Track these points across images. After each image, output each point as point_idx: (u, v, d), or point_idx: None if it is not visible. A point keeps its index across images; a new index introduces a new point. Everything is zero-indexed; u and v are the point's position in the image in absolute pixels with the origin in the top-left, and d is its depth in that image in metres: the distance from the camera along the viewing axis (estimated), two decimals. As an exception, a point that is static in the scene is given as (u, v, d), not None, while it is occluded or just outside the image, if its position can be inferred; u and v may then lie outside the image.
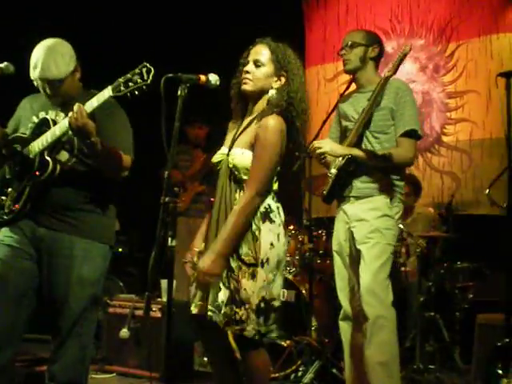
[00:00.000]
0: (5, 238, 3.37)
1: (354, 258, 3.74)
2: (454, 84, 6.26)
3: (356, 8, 6.63)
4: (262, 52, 3.13)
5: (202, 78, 3.05)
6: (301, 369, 4.57)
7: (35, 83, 3.39)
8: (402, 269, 5.21)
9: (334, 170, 3.73)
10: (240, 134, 3.14)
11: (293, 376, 4.58)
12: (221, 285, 2.97)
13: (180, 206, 6.21)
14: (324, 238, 5.27)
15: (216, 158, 3.19)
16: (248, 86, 3.12)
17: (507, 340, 3.62)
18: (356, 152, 3.68)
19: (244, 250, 2.97)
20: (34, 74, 3.33)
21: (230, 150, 3.11)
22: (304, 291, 4.81)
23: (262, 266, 2.97)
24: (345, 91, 4.12)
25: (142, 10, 6.99)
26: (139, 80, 3.02)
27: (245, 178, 3.03)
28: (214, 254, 2.94)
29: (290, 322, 4.65)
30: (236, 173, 3.05)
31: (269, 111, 3.07)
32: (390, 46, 6.34)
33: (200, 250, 3.18)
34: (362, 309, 3.63)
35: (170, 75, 2.94)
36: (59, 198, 3.33)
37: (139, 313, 4.80)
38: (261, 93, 3.14)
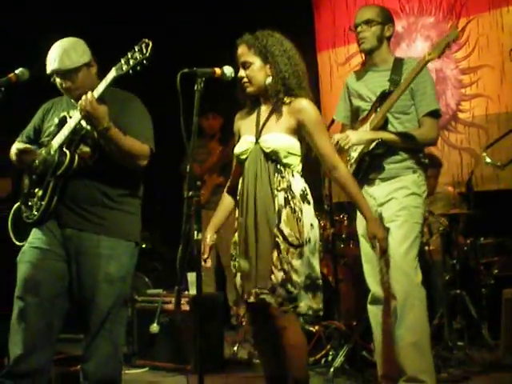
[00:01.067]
0: (34, 241, 3.42)
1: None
2: (467, 60, 6.22)
3: (365, -12, 6.60)
4: (243, 52, 3.23)
5: (218, 71, 3.10)
6: (330, 353, 4.59)
7: (53, 81, 3.44)
8: (426, 248, 5.21)
9: (355, 154, 3.75)
10: (264, 122, 3.22)
11: (323, 361, 4.61)
12: (272, 268, 3.05)
13: (200, 199, 6.25)
14: (346, 222, 5.29)
15: (241, 148, 3.26)
16: (250, 89, 3.24)
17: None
18: (385, 135, 3.70)
19: (287, 231, 3.07)
20: (49, 68, 3.39)
21: (257, 138, 3.20)
22: (329, 276, 4.84)
23: (306, 245, 3.09)
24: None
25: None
26: (139, 56, 3.06)
27: (284, 160, 3.13)
28: (374, 221, 3.26)
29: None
30: (274, 156, 3.14)
31: (278, 98, 3.17)
32: (399, 25, 6.33)
33: (235, 241, 3.28)
34: (391, 289, 3.65)
35: (186, 70, 2.98)
36: (83, 194, 3.37)
37: (168, 307, 4.85)
38: (263, 86, 3.22)
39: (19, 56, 4.01)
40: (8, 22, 6.16)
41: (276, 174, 3.14)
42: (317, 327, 4.61)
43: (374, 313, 3.85)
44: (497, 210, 5.58)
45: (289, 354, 3.16)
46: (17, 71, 3.33)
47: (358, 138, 3.70)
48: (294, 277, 3.06)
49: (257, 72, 3.20)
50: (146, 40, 3.06)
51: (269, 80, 3.19)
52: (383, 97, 3.75)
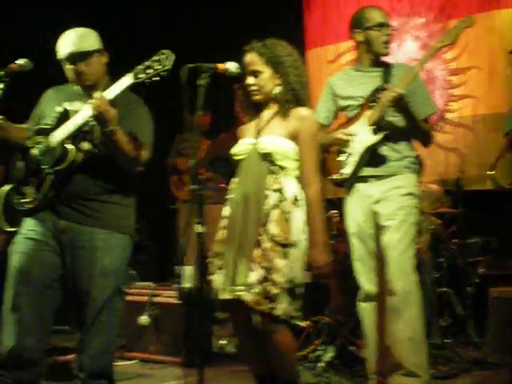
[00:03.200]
0: (28, 232, 3.40)
1: (376, 238, 3.79)
2: (456, 61, 6.28)
3: (356, -13, 6.62)
4: (253, 61, 3.25)
5: (221, 66, 3.13)
6: (319, 348, 4.63)
7: (63, 66, 3.42)
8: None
9: (355, 151, 3.77)
10: (265, 125, 3.26)
11: (312, 356, 4.65)
12: (253, 265, 3.05)
13: (187, 193, 6.27)
14: (336, 218, 5.32)
15: (238, 149, 3.30)
16: (258, 97, 3.28)
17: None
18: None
19: (276, 231, 3.07)
20: (63, 52, 3.37)
21: (255, 139, 3.23)
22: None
23: (294, 248, 3.08)
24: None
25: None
26: (158, 66, 3.08)
27: (279, 162, 3.16)
28: (319, 247, 3.14)
29: (307, 303, 4.71)
30: (269, 158, 3.16)
31: (285, 107, 3.22)
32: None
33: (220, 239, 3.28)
34: (390, 286, 3.70)
35: (191, 65, 3.00)
36: (78, 187, 3.36)
37: (158, 299, 4.87)
38: (271, 95, 3.26)
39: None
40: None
41: (269, 175, 3.17)
42: (306, 322, 4.64)
43: (367, 310, 3.90)
44: (483, 210, 5.66)
45: (278, 358, 3.18)
46: (19, 61, 3.34)
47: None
48: (275, 276, 3.03)
49: (266, 81, 3.23)
50: (168, 52, 3.09)
51: (278, 90, 3.23)
52: (377, 93, 3.77)
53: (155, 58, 3.11)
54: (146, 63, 3.12)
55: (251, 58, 3.24)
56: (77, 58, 3.36)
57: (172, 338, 4.78)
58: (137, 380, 4.38)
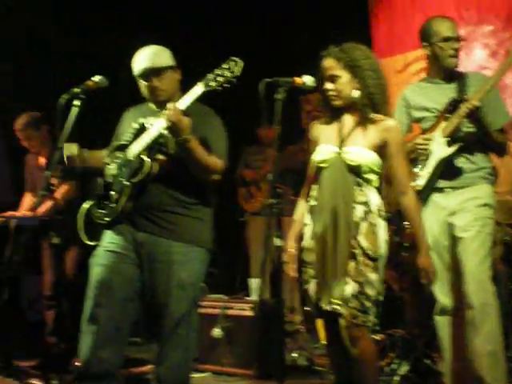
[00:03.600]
0: (109, 245, 3.47)
1: (452, 250, 3.74)
2: (527, 69, 6.16)
3: (423, -5, 6.58)
4: (330, 66, 3.24)
5: (298, 80, 3.15)
6: (394, 362, 4.58)
7: (139, 83, 3.51)
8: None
9: (430, 162, 3.73)
10: (348, 134, 3.26)
11: (387, 369, 4.60)
12: (347, 279, 3.10)
13: (256, 205, 6.29)
14: (409, 230, 5.25)
15: (321, 156, 3.28)
16: (337, 102, 3.27)
17: None
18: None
19: (366, 244, 3.12)
20: (137, 68, 3.46)
21: (340, 148, 3.24)
22: (393, 285, 4.84)
23: (381, 261, 3.16)
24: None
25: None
26: (228, 73, 3.13)
27: (365, 175, 3.18)
28: (426, 251, 3.27)
29: (382, 316, 4.68)
30: (357, 170, 3.18)
31: (365, 114, 3.22)
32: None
33: (307, 247, 3.29)
34: (467, 298, 3.65)
35: (268, 80, 3.02)
36: (154, 199, 3.42)
37: (231, 312, 4.88)
38: (350, 99, 3.25)
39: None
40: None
41: (356, 187, 3.18)
42: (381, 336, 4.61)
43: (443, 324, 3.86)
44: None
45: (361, 365, 3.21)
46: (95, 78, 3.42)
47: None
48: (368, 290, 3.12)
49: (344, 86, 3.23)
50: (236, 59, 3.14)
51: (356, 94, 3.22)
52: (454, 104, 3.73)
53: (225, 65, 3.16)
54: (217, 71, 3.17)
55: (328, 62, 3.24)
56: (150, 73, 3.43)
57: (244, 350, 4.78)
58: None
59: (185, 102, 3.25)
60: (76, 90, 3.36)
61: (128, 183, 3.38)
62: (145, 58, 3.46)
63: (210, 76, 3.18)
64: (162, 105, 3.43)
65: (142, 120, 3.46)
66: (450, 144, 3.70)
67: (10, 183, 6.61)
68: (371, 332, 3.17)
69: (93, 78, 3.45)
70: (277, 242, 2.97)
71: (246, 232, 6.35)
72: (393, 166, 3.24)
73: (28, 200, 5.30)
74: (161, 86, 3.46)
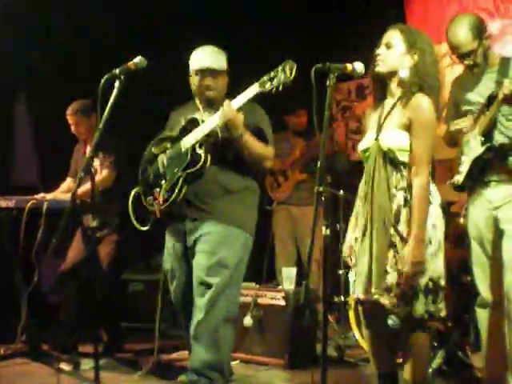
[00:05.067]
0: (169, 245, 3.82)
1: (495, 243, 3.69)
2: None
3: (457, -14, 6.47)
4: (392, 35, 3.25)
5: (349, 66, 3.11)
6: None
7: (192, 77, 3.76)
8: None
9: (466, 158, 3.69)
10: (385, 117, 3.22)
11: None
12: (388, 267, 3.05)
13: (282, 194, 6.24)
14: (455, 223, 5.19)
15: (363, 146, 3.28)
16: (380, 68, 3.24)
17: None
18: None
19: (407, 231, 3.06)
20: (198, 64, 3.71)
21: (377, 135, 3.20)
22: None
23: (426, 247, 3.05)
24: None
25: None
26: (282, 76, 3.23)
27: (401, 158, 3.13)
28: (415, 242, 3.02)
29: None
30: (391, 155, 3.13)
31: (409, 91, 3.16)
32: (494, 27, 6.18)
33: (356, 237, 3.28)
34: (507, 292, 3.60)
35: (319, 65, 2.98)
36: (204, 189, 3.61)
37: (261, 301, 4.85)
38: (395, 73, 3.23)
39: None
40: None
41: (395, 173, 3.14)
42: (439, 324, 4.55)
43: (483, 317, 3.80)
44: None
45: (412, 360, 3.17)
46: (135, 60, 3.40)
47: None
48: None
49: (396, 56, 3.21)
50: (291, 62, 3.23)
51: (404, 73, 3.20)
52: (490, 100, 3.66)
53: (279, 68, 3.25)
54: (272, 73, 3.28)
55: (392, 32, 3.26)
56: (207, 72, 3.70)
57: (275, 339, 4.75)
58: (243, 380, 4.37)
59: (240, 100, 3.43)
60: (116, 71, 3.35)
61: (182, 174, 3.58)
62: (206, 56, 3.71)
63: (265, 78, 3.30)
64: (208, 103, 3.70)
65: (194, 115, 3.65)
66: (482, 143, 3.64)
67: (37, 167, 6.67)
68: (423, 320, 3.10)
69: (134, 60, 3.42)
70: (326, 231, 2.89)
71: (273, 220, 6.31)
72: (412, 144, 3.13)
73: (66, 184, 5.30)
74: (213, 85, 3.71)
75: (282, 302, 4.78)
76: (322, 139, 2.93)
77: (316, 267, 5.77)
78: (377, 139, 3.20)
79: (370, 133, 3.28)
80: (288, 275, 4.88)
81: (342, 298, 5.19)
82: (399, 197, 3.11)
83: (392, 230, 3.08)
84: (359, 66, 3.11)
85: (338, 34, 6.54)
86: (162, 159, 3.70)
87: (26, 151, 6.70)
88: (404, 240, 3.05)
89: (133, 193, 3.78)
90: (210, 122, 3.51)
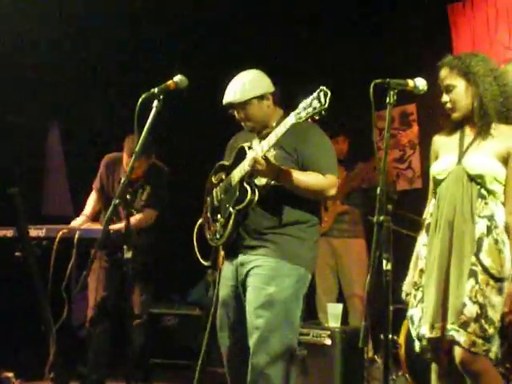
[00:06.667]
0: (224, 275, 3.65)
1: None
2: None
3: (506, 11, 6.16)
4: (445, 75, 3.08)
5: (410, 83, 2.88)
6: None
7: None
8: None
9: None
10: (470, 143, 3.04)
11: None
12: (465, 299, 2.80)
13: (322, 226, 5.96)
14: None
15: (439, 167, 3.08)
16: (455, 115, 3.08)
17: None
18: None
19: (489, 262, 2.83)
20: (224, 101, 3.61)
21: (460, 159, 3.02)
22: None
23: (506, 282, 2.85)
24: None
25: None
26: (317, 104, 3.06)
27: (490, 186, 2.92)
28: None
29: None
30: (479, 180, 2.93)
31: (481, 121, 2.99)
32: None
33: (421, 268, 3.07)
34: None
35: (379, 80, 2.73)
36: (255, 222, 3.48)
37: (304, 339, 4.56)
38: (469, 109, 3.05)
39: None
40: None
41: (479, 200, 2.92)
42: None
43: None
44: None
45: None
46: (175, 78, 3.24)
47: None
48: (491, 314, 2.80)
49: (461, 95, 3.03)
50: (324, 88, 3.06)
51: (475, 103, 2.99)
52: None
53: (315, 95, 3.10)
54: (308, 101, 3.12)
55: (444, 72, 3.08)
56: (233, 107, 3.58)
57: (320, 380, 4.49)
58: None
59: (272, 139, 3.28)
60: (155, 90, 3.17)
61: (234, 211, 3.47)
62: (229, 91, 3.58)
63: (301, 107, 3.15)
64: (256, 130, 3.60)
65: (241, 144, 3.57)
66: None
67: (70, 197, 6.52)
68: (495, 364, 2.86)
69: (174, 78, 3.25)
70: (387, 265, 2.60)
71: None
72: (507, 178, 2.96)
73: (92, 200, 5.21)
74: (244, 117, 3.57)
75: (328, 341, 4.50)
76: (383, 164, 2.66)
77: (360, 304, 5.48)
78: (460, 163, 3.01)
79: (447, 156, 3.09)
80: (333, 312, 4.59)
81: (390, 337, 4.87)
82: (481, 225, 2.91)
83: (474, 259, 2.86)
84: (421, 83, 2.87)
85: (388, 62, 6.31)
86: (217, 192, 3.65)
87: (58, 180, 6.60)
88: (486, 271, 2.83)
89: (197, 224, 3.80)
90: (252, 152, 3.38)
